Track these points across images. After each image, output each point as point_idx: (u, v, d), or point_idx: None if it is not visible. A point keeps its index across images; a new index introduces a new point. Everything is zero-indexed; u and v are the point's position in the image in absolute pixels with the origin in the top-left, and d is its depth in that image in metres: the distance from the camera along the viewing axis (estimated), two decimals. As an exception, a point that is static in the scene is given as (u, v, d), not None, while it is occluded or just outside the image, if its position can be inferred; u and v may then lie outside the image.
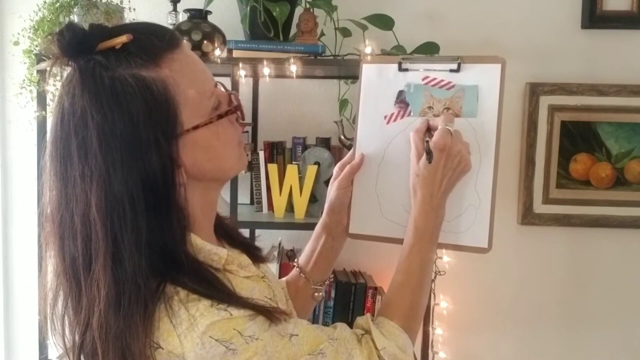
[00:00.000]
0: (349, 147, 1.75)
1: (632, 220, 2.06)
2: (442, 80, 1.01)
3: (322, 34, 1.83)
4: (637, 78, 2.04)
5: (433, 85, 1.01)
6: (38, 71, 1.76)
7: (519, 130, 2.07)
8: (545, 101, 2.04)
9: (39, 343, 1.85)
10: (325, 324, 1.83)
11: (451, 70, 1.00)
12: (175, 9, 1.85)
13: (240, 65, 1.64)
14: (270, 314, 0.77)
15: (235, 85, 1.65)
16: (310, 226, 1.11)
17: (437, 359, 2.00)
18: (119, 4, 1.75)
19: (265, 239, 1.95)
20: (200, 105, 0.79)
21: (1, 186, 2.12)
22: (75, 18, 1.69)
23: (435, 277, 1.78)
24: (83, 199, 0.73)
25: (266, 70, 1.66)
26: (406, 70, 1.03)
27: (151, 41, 0.76)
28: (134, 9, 1.78)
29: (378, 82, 1.04)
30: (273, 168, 1.77)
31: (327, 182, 1.36)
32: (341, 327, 0.87)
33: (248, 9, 1.72)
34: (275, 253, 1.87)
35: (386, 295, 0.97)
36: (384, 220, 1.04)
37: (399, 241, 0.98)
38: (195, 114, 0.78)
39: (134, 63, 0.74)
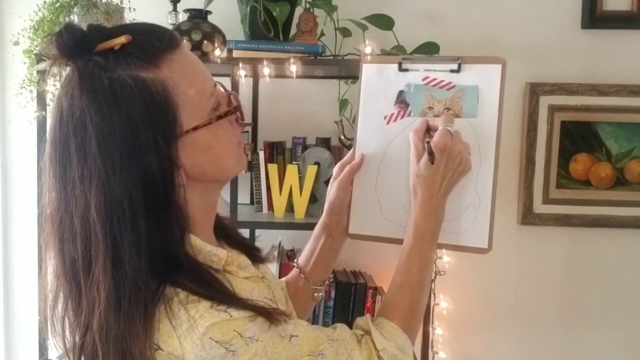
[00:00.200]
0: (349, 147, 1.75)
1: (632, 220, 2.06)
2: (442, 81, 1.01)
3: (322, 34, 1.83)
4: (637, 78, 2.04)
5: (433, 86, 1.01)
6: (38, 71, 1.76)
7: (519, 130, 2.07)
8: (545, 101, 2.04)
9: (39, 344, 1.85)
10: (325, 324, 1.83)
11: (451, 71, 1.00)
12: (175, 9, 1.85)
13: (240, 65, 1.64)
14: (270, 315, 0.77)
15: (235, 85, 1.65)
16: (310, 226, 1.11)
17: (437, 359, 1.99)
18: (119, 4, 1.75)
19: (265, 239, 1.95)
20: (199, 106, 0.78)
21: (1, 186, 2.12)
22: (75, 18, 1.69)
23: (435, 277, 1.78)
24: (82, 200, 0.73)
25: (266, 70, 1.66)
26: (406, 70, 1.03)
27: (150, 42, 0.76)
28: (134, 9, 1.78)
29: (378, 82, 1.04)
30: (273, 168, 1.77)
31: (327, 182, 1.36)
32: (341, 327, 0.87)
33: (248, 9, 1.72)
34: (275, 253, 1.87)
35: (386, 295, 0.97)
36: (384, 221, 1.03)
37: (399, 241, 0.98)
38: (195, 114, 0.78)
39: (133, 64, 0.74)
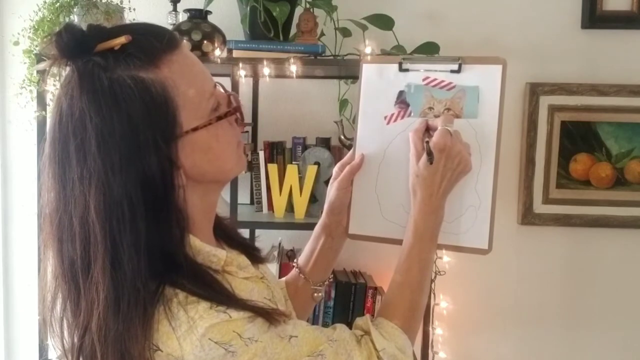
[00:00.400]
0: (349, 147, 1.75)
1: (632, 220, 2.06)
2: (442, 81, 1.00)
3: (322, 34, 1.83)
4: (637, 78, 2.04)
5: (434, 86, 1.01)
6: (38, 71, 1.76)
7: (519, 130, 2.07)
8: (545, 101, 2.04)
9: (39, 344, 1.85)
10: (325, 324, 1.83)
11: (452, 71, 1.00)
12: (175, 9, 1.85)
13: (240, 65, 1.63)
14: (269, 315, 0.77)
15: (235, 85, 1.64)
16: (310, 226, 1.11)
17: (437, 359, 1.99)
18: (119, 4, 1.75)
19: (265, 239, 1.95)
20: (199, 107, 0.78)
21: (1, 186, 2.12)
22: (75, 18, 1.69)
23: (435, 277, 1.78)
24: (81, 201, 0.73)
25: (266, 70, 1.66)
26: (407, 70, 1.02)
27: (150, 42, 0.75)
28: (134, 9, 1.78)
29: (378, 82, 1.04)
30: (273, 168, 1.77)
31: (327, 182, 1.36)
32: (340, 328, 0.87)
33: (248, 9, 1.71)
34: (275, 253, 1.87)
35: (386, 295, 0.97)
36: (384, 221, 1.03)
37: (399, 242, 0.98)
38: (195, 115, 0.78)
39: (132, 64, 0.73)
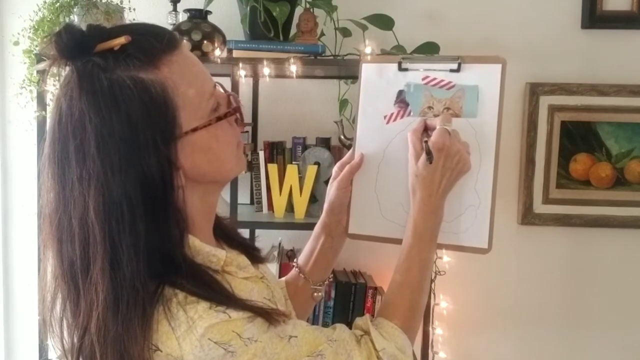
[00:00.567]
0: (349, 147, 1.74)
1: (632, 220, 2.06)
2: (442, 80, 1.00)
3: (322, 34, 1.83)
4: (637, 78, 2.04)
5: (433, 85, 1.01)
6: (38, 71, 1.76)
7: (519, 130, 2.07)
8: (545, 101, 2.04)
9: (39, 344, 1.85)
10: (325, 324, 1.83)
11: (451, 70, 1.00)
12: (175, 9, 1.85)
13: (240, 65, 1.63)
14: (269, 315, 0.77)
15: (235, 85, 1.64)
16: (310, 226, 1.11)
17: (437, 359, 1.99)
18: (119, 4, 1.75)
19: (265, 239, 1.95)
20: (199, 107, 0.78)
21: (1, 186, 2.12)
22: (75, 18, 1.69)
23: (435, 277, 1.78)
24: (81, 202, 0.73)
25: (266, 70, 1.66)
26: (406, 70, 1.02)
27: (150, 42, 0.75)
28: (134, 9, 1.78)
29: (378, 81, 1.04)
30: (273, 168, 1.77)
31: (327, 182, 1.36)
32: (340, 328, 0.87)
33: (248, 9, 1.71)
34: (275, 253, 1.87)
35: (385, 295, 0.97)
36: (384, 221, 1.03)
37: (399, 241, 0.98)
38: (194, 115, 0.78)
39: (132, 65, 0.73)
